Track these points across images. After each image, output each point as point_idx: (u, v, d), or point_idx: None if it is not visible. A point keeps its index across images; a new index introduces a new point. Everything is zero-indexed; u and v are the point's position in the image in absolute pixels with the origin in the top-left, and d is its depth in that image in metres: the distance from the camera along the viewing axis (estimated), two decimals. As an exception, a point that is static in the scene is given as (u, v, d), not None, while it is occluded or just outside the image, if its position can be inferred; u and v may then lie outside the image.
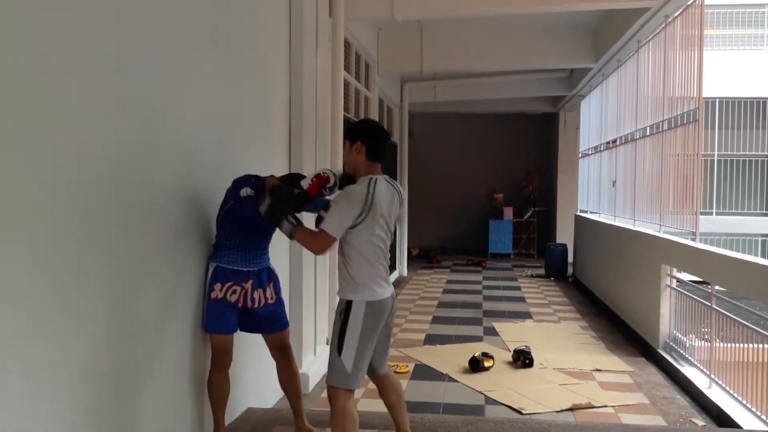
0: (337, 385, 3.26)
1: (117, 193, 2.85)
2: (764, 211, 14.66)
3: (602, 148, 10.49)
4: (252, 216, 3.50)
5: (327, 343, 6.10)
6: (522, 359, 6.16)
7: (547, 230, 15.81)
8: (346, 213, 3.22)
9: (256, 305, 3.72)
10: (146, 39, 3.10)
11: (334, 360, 3.26)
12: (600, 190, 10.76)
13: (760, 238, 14.26)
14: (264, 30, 4.85)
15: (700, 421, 4.86)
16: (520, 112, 15.54)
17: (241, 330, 3.79)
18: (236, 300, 3.64)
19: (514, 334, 7.51)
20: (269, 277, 3.81)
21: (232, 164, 4.15)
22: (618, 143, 9.21)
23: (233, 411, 4.25)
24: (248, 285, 3.68)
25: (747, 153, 14.30)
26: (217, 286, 3.61)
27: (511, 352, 6.40)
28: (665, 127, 6.90)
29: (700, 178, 6.09)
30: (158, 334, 3.26)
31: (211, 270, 3.65)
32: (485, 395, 5.35)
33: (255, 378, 4.51)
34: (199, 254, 3.68)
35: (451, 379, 5.79)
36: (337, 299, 3.43)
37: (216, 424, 3.75)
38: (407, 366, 6.12)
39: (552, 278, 12.21)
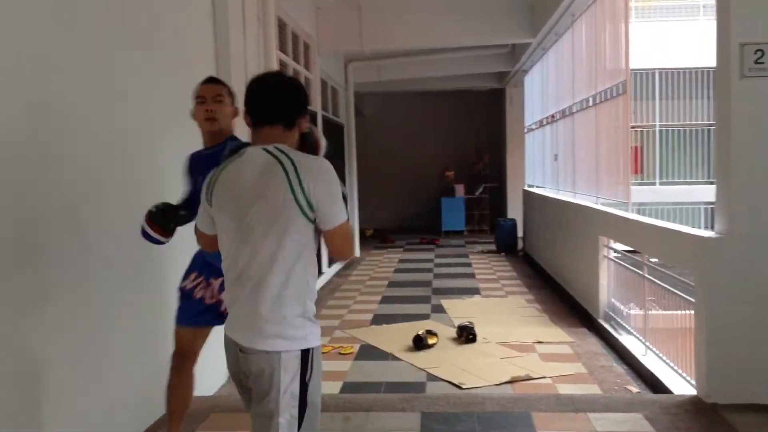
0: None
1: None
2: (709, 180, 15.01)
3: (545, 123, 10.59)
4: None
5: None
6: (465, 335, 6.22)
7: (499, 206, 15.96)
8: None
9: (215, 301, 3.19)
10: (49, 39, 2.99)
11: None
12: (544, 165, 10.89)
13: (703, 206, 14.60)
14: (186, 14, 4.73)
15: (634, 387, 4.97)
16: (467, 89, 15.59)
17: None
18: (202, 296, 3.16)
19: (460, 310, 7.57)
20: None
21: (154, 161, 4.07)
22: (558, 117, 9.31)
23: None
24: (217, 282, 3.12)
25: (689, 123, 14.59)
26: (193, 275, 3.18)
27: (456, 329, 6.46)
28: (598, 100, 6.99)
29: (629, 149, 6.19)
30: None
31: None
32: (427, 372, 5.38)
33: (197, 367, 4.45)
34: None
35: (395, 358, 5.82)
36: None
37: None
38: (352, 347, 6.13)
39: (502, 253, 12.35)
